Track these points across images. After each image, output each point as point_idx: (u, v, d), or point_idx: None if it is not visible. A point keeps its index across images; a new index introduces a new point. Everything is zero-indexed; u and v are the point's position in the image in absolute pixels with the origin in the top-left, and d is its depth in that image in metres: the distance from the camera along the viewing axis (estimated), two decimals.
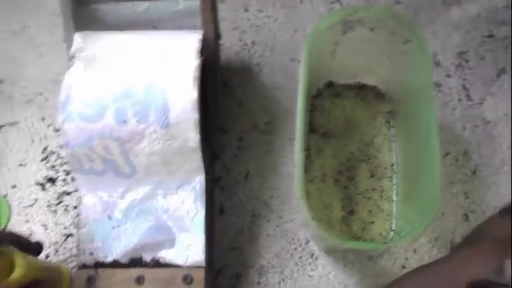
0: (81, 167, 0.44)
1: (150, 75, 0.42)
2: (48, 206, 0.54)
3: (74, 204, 0.54)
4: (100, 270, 0.44)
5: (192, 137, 0.42)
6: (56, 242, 0.52)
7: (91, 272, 0.44)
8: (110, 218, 0.45)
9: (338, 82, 0.56)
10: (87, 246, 0.45)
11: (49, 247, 0.52)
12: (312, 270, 0.50)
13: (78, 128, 0.42)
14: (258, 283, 0.50)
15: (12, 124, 0.59)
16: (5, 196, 0.55)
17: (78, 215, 0.46)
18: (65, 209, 0.54)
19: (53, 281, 0.44)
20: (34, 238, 0.52)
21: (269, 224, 0.52)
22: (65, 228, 0.53)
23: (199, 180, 0.44)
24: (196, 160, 0.43)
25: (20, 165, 0.57)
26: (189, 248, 0.44)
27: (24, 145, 0.58)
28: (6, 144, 0.58)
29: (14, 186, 0.56)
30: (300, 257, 0.51)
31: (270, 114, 0.57)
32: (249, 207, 0.53)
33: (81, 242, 0.45)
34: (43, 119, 0.59)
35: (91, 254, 0.45)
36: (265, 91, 0.58)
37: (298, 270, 0.50)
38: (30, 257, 0.39)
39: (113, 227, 0.45)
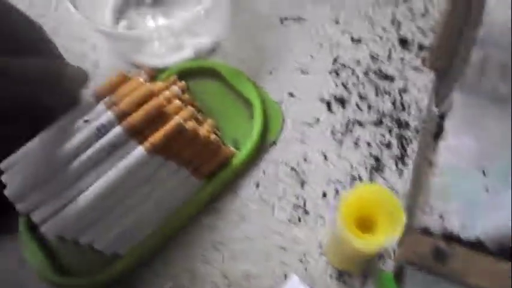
0: (476, 83, 0.28)
1: None
2: (332, 132, 0.40)
3: (367, 139, 0.40)
4: (458, 248, 0.28)
5: None
6: (338, 181, 0.38)
7: (441, 244, 0.28)
8: (484, 173, 0.29)
9: None
10: (437, 205, 0.29)
11: (328, 184, 0.38)
12: None
13: None
14: None
15: (297, 20, 0.46)
16: (280, 103, 0.42)
17: (428, 159, 0.31)
18: (355, 143, 0.40)
19: None
20: (316, 170, 0.38)
21: None
22: (352, 167, 0.39)
23: None
24: None
25: (302, 71, 0.43)
26: None
27: (309, 48, 0.44)
28: (286, 42, 0.45)
29: (291, 95, 0.42)
30: None
31: None
32: None
33: (431, 195, 0.30)
34: (336, 22, 0.45)
35: (441, 217, 0.29)
36: None
37: None
38: None
39: (486, 189, 0.29)
